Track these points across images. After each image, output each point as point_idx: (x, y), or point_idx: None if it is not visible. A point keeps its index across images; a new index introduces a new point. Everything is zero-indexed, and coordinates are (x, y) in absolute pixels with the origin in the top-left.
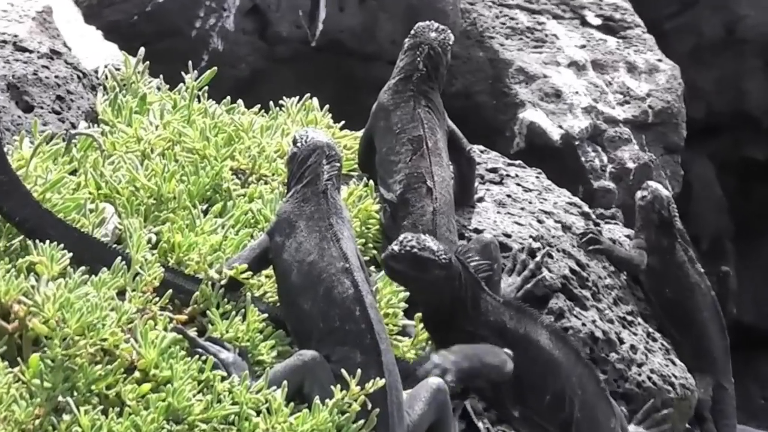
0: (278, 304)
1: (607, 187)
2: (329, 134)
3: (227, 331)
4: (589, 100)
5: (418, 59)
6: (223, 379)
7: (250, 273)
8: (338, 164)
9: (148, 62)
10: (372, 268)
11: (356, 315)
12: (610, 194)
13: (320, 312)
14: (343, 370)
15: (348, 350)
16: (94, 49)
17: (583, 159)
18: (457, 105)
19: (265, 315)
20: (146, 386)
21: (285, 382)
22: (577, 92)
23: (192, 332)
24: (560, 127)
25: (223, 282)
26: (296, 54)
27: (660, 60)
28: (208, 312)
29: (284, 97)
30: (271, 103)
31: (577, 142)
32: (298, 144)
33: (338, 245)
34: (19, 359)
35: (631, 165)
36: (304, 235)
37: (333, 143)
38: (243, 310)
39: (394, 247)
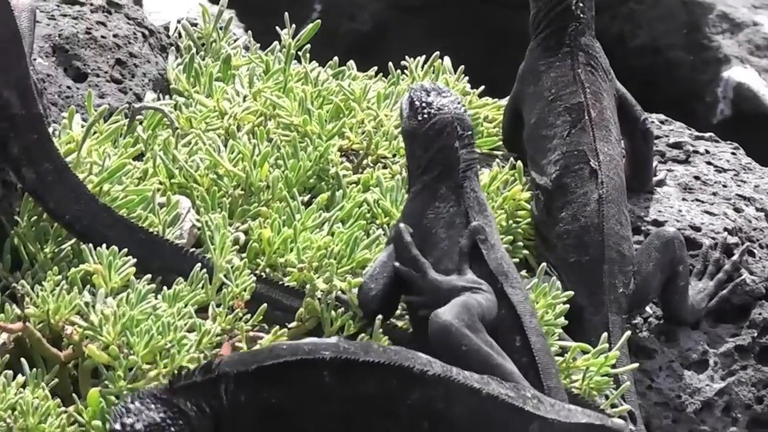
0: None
1: None
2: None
3: None
4: None
5: (574, 2)
6: None
7: None
8: (473, 142)
9: (232, 14)
10: (523, 272)
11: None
12: None
13: None
14: None
15: None
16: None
17: None
18: (641, 63)
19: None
20: None
21: None
22: None
23: None
24: None
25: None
26: (432, 1)
27: None
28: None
29: (407, 57)
30: (391, 64)
31: None
32: (420, 116)
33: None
34: (74, 395)
35: None
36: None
37: (462, 111)
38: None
39: None
